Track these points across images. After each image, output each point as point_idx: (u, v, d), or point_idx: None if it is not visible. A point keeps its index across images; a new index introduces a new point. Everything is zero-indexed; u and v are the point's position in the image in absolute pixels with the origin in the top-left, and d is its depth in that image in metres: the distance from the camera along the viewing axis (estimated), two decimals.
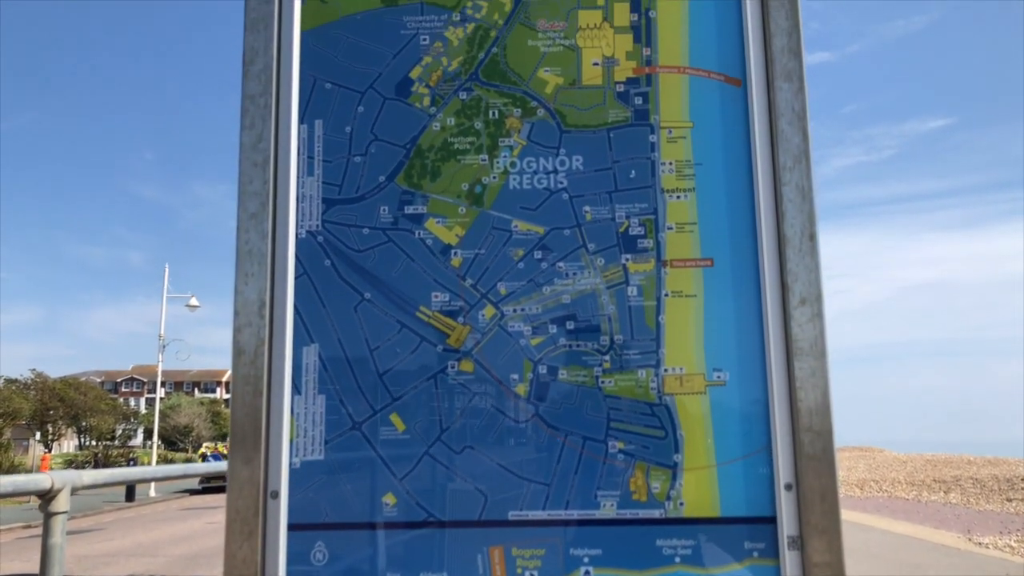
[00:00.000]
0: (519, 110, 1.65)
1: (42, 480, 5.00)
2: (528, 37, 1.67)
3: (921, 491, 19.46)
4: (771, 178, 1.58)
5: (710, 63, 1.64)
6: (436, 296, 1.59)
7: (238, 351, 1.56)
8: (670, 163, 1.61)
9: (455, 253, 1.61)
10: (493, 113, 1.65)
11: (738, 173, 1.60)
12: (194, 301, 29.17)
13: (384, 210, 1.63)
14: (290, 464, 1.54)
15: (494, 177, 1.63)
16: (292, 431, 1.55)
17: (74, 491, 5.15)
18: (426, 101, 1.66)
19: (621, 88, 1.64)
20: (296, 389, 1.57)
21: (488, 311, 1.58)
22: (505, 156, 1.63)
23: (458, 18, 1.68)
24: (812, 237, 1.56)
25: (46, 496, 4.97)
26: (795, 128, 1.59)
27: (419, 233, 1.62)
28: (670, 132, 1.62)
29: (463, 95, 1.66)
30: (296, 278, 1.60)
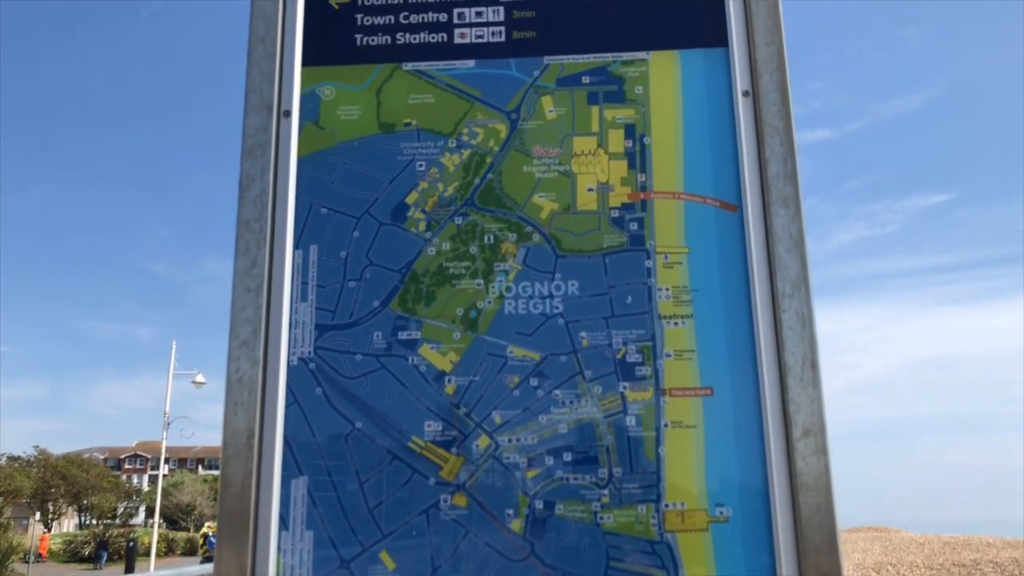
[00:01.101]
0: (514, 235, 1.64)
1: None
2: (523, 163, 1.68)
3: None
4: (770, 305, 1.56)
5: (705, 189, 1.64)
6: (429, 425, 1.55)
7: (226, 483, 1.52)
8: (667, 289, 1.59)
9: (449, 380, 1.57)
10: (488, 238, 1.64)
11: (736, 299, 1.58)
12: (200, 378, 29.09)
13: (378, 335, 1.60)
14: None
15: (489, 302, 1.61)
16: (279, 569, 1.49)
17: None
18: (422, 226, 1.66)
19: (616, 213, 1.64)
20: (283, 524, 1.52)
21: (483, 441, 1.54)
22: (500, 281, 1.62)
23: (454, 144, 1.70)
24: (814, 365, 1.52)
25: None
26: (793, 254, 1.58)
27: (413, 359, 1.59)
28: (666, 257, 1.61)
29: (458, 220, 1.66)
30: (287, 407, 1.57)
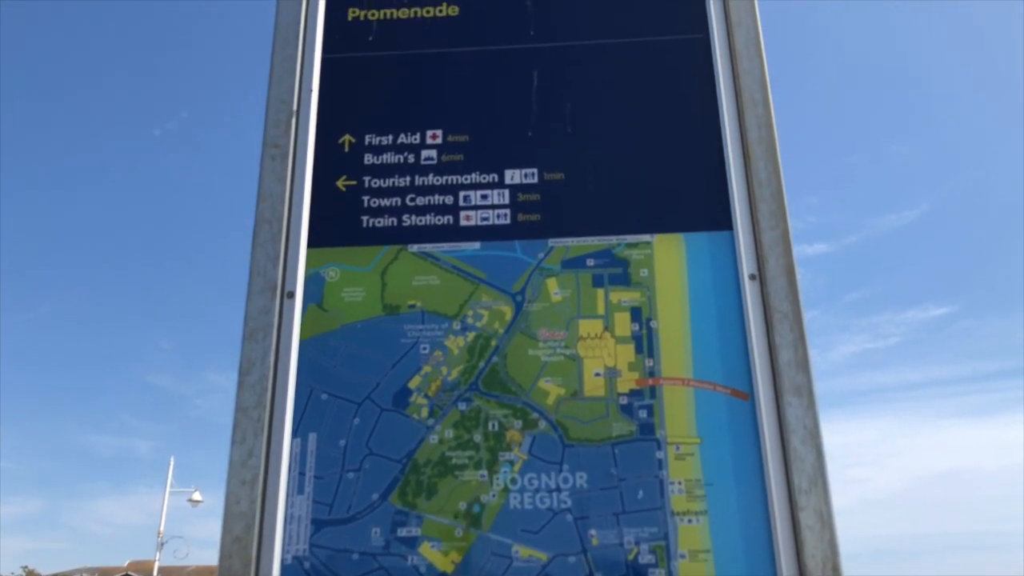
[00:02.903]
0: (520, 422, 1.59)
1: None
2: (529, 346, 1.65)
3: None
4: (787, 502, 1.49)
5: (715, 375, 1.60)
6: None
7: None
8: (679, 482, 1.53)
9: None
10: (493, 425, 1.59)
11: (752, 495, 1.51)
12: (197, 495, 28.35)
13: (376, 532, 1.53)
14: None
15: (493, 495, 1.54)
16: None
17: None
18: (424, 412, 1.61)
19: (624, 400, 1.59)
20: None
21: None
22: (505, 472, 1.56)
23: (459, 327, 1.67)
24: (835, 569, 1.43)
25: None
26: (808, 447, 1.52)
27: (412, 559, 1.51)
28: (678, 448, 1.55)
29: (462, 406, 1.61)
30: None
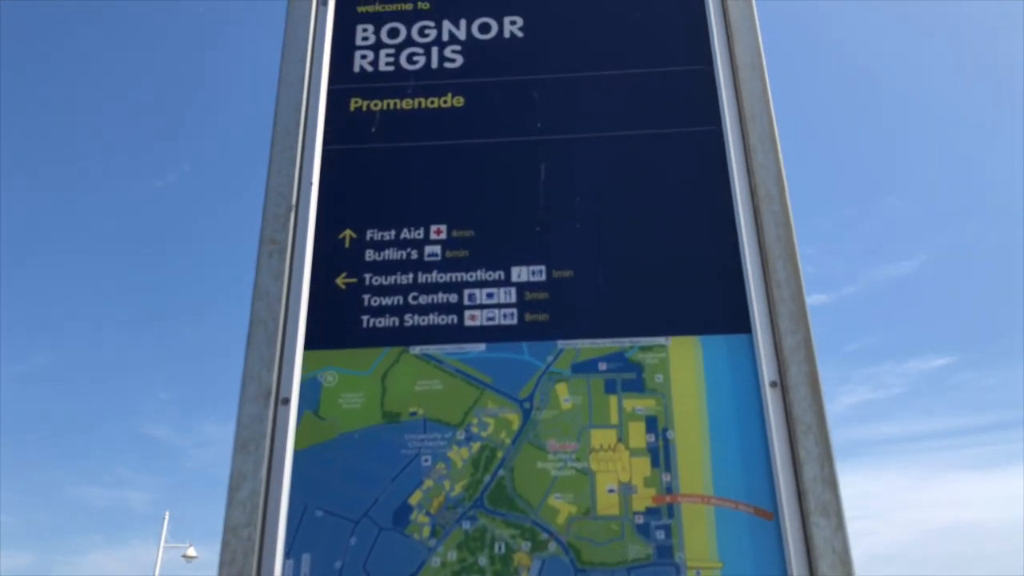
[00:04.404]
0: (528, 543, 1.49)
1: None
2: (537, 458, 1.55)
3: None
4: None
5: (737, 492, 1.50)
6: None
7: None
8: None
9: None
10: (499, 547, 1.49)
11: None
12: (191, 551, 27.74)
13: None
14: None
15: None
16: None
17: None
18: (425, 532, 1.51)
19: (640, 519, 1.49)
20: None
21: None
22: None
23: (463, 436, 1.58)
24: None
25: None
26: (838, 573, 1.41)
27: None
28: (698, 574, 1.44)
29: (467, 525, 1.51)
30: None
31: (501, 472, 1.55)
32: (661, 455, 1.54)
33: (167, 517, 27.36)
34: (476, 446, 1.57)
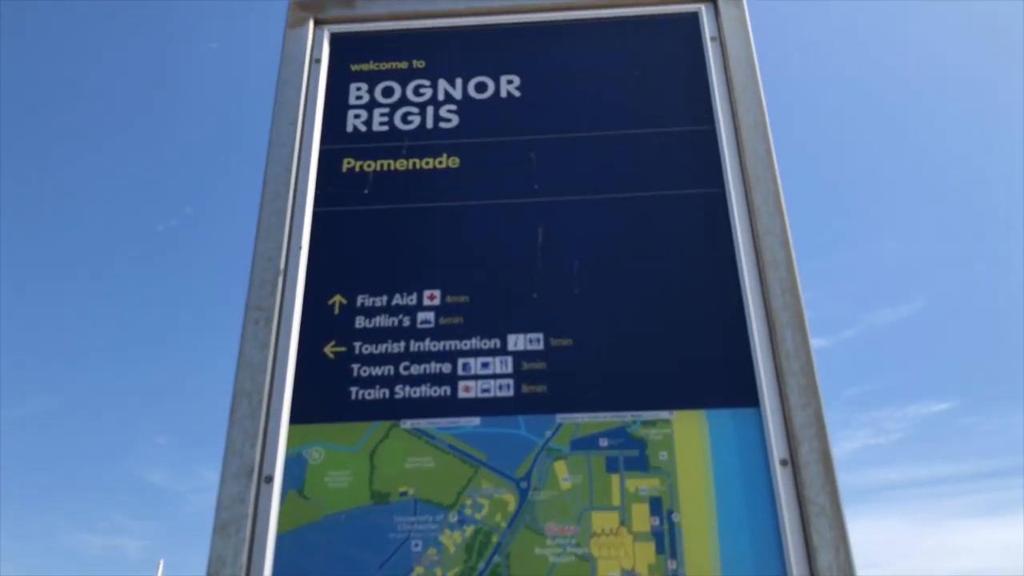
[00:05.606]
0: None
1: None
2: (535, 544, 1.46)
3: None
4: None
5: None
6: None
7: None
8: None
9: None
10: None
11: None
12: None
13: None
14: None
15: None
16: None
17: None
18: None
19: None
20: None
21: None
22: None
23: (455, 519, 1.49)
24: None
25: None
26: None
27: None
28: None
29: None
30: None
31: (496, 559, 1.46)
32: (666, 540, 1.45)
33: (161, 565, 26.82)
34: (470, 529, 1.48)
